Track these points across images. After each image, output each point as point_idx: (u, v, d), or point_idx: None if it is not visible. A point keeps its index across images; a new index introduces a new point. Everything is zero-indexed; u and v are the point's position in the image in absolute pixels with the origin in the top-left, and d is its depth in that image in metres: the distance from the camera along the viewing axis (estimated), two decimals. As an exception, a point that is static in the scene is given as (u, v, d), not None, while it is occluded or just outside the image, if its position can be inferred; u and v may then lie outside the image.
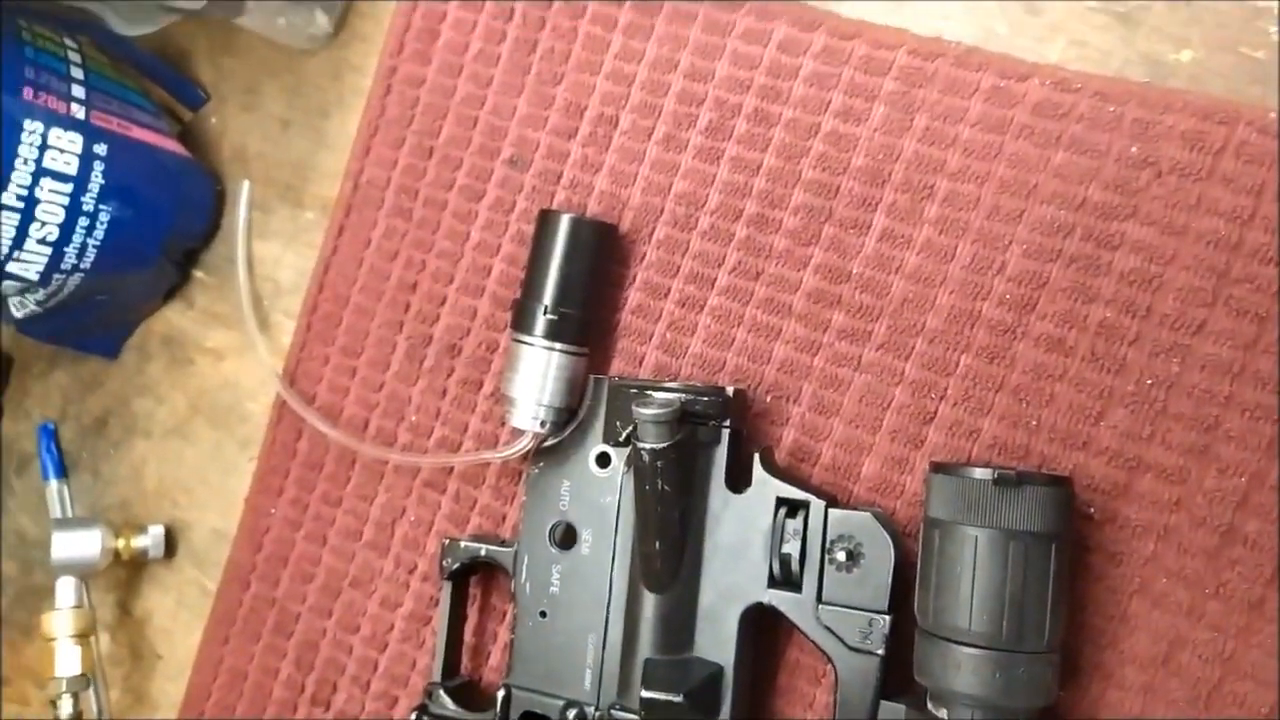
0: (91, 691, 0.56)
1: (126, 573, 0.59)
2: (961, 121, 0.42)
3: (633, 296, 0.48)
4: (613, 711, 0.42)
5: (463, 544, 0.47)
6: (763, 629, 0.42)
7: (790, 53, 0.45)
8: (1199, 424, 0.38)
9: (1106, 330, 0.40)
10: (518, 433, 0.46)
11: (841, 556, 0.40)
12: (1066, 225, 0.41)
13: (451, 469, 0.50)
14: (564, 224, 0.46)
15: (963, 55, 0.43)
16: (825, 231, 0.44)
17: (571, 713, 0.43)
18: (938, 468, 0.39)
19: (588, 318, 0.46)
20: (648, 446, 0.40)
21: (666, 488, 0.41)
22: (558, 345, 0.45)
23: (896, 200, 0.43)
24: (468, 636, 0.49)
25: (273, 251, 0.57)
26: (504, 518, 0.50)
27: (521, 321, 0.46)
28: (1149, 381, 0.39)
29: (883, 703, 0.39)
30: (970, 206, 0.42)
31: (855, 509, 0.40)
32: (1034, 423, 0.41)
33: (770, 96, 0.46)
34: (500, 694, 0.44)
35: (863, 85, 0.44)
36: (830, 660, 0.40)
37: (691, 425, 0.42)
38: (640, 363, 0.47)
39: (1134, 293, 0.39)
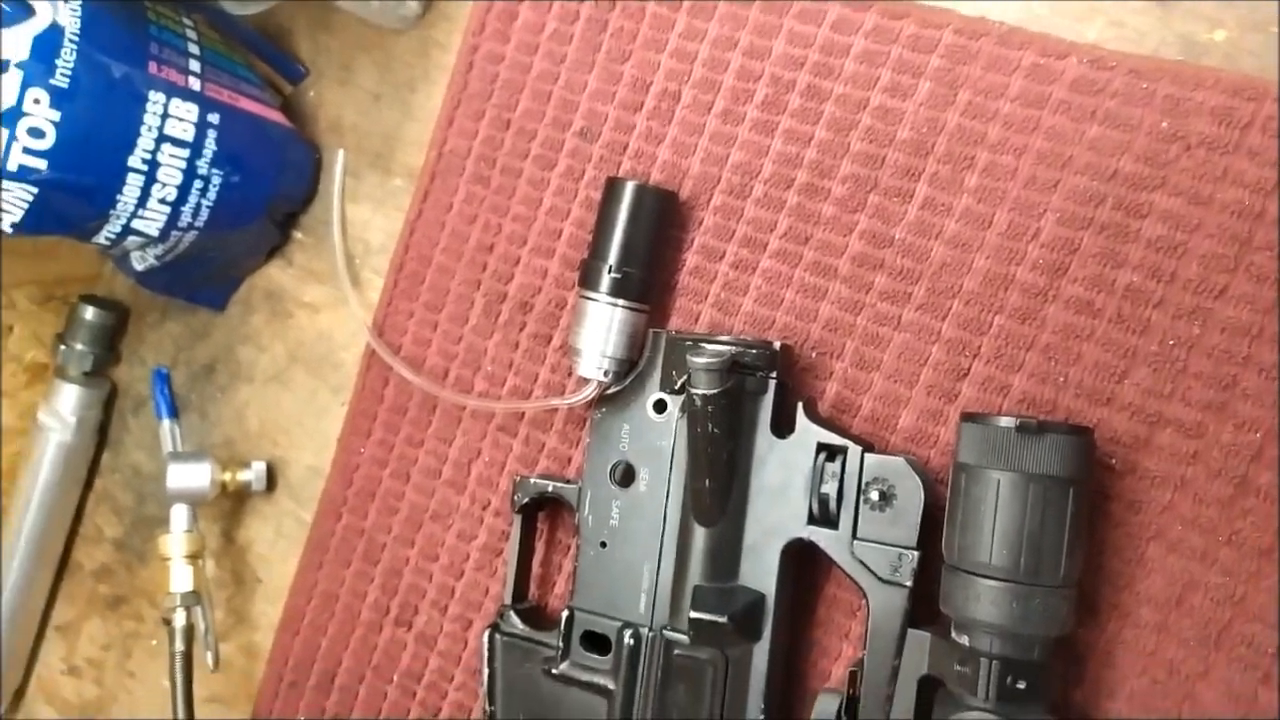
0: (200, 608, 0.63)
1: (231, 504, 0.65)
2: (1002, 97, 0.45)
3: (690, 259, 0.52)
4: (664, 631, 0.47)
5: (532, 480, 0.52)
6: (802, 563, 0.46)
7: (842, 31, 0.49)
8: (1217, 382, 0.41)
9: (1133, 294, 0.43)
10: (583, 382, 0.51)
11: (875, 497, 0.43)
12: (1098, 195, 0.43)
13: (523, 414, 0.55)
14: (629, 190, 0.50)
15: (1005, 34, 0.45)
16: (870, 200, 0.48)
17: (628, 632, 0.48)
18: (967, 417, 0.42)
19: (649, 277, 0.50)
20: (700, 392, 0.44)
21: (716, 430, 0.45)
22: (620, 302, 0.49)
23: (938, 171, 0.46)
24: (535, 566, 0.54)
25: (363, 214, 0.62)
26: (569, 460, 0.54)
27: (588, 280, 0.50)
28: (1171, 342, 0.42)
29: (910, 631, 0.43)
30: (1008, 177, 0.45)
31: (890, 455, 0.44)
32: (1062, 379, 0.44)
33: (823, 73, 0.49)
34: (564, 615, 0.49)
35: (910, 62, 0.47)
36: (863, 591, 0.44)
37: (740, 375, 0.46)
38: (696, 320, 0.51)
39: (1160, 259, 0.42)
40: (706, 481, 0.46)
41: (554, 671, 0.49)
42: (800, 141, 0.49)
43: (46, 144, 0.51)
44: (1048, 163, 0.44)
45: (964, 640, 0.41)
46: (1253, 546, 0.40)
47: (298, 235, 0.64)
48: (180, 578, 0.60)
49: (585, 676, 0.49)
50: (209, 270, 0.64)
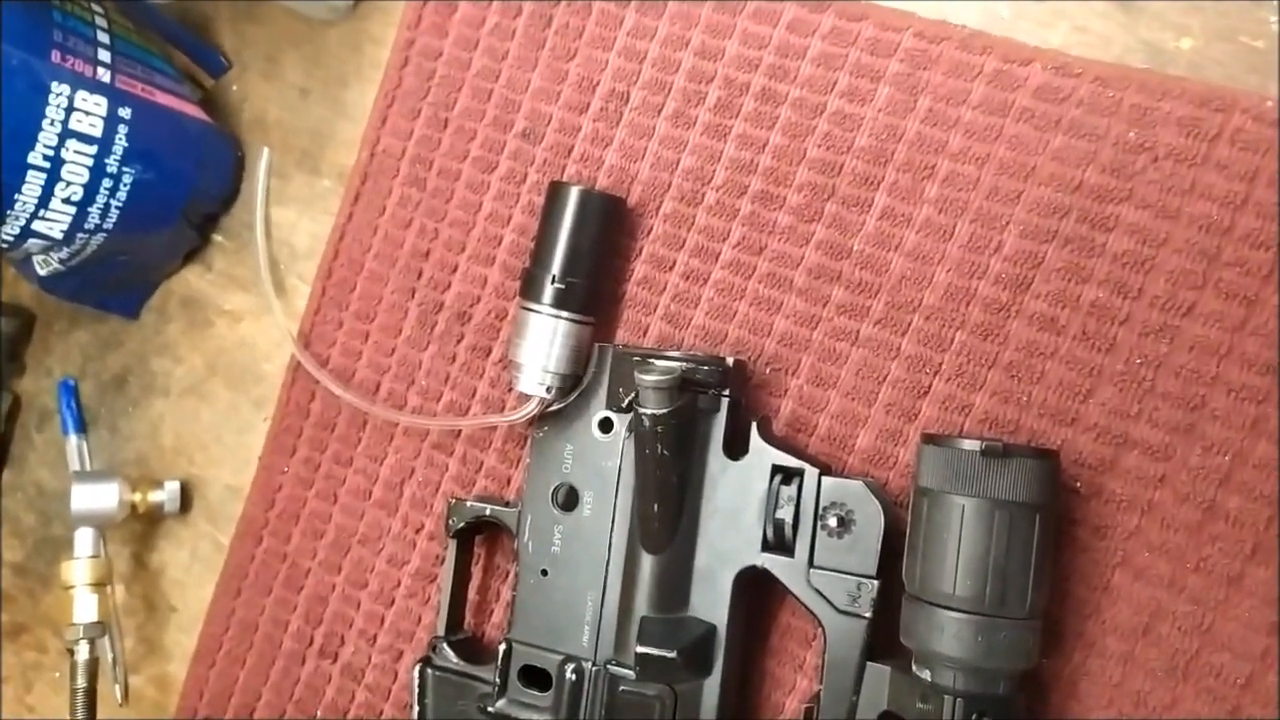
0: (106, 639, 0.58)
1: (142, 526, 0.60)
2: (964, 104, 0.43)
3: (638, 269, 0.48)
4: (609, 666, 0.43)
5: (468, 504, 0.48)
6: (755, 591, 0.43)
7: (799, 33, 0.46)
8: (1185, 403, 0.39)
9: (1098, 310, 0.40)
10: (524, 398, 0.47)
11: (833, 523, 0.40)
12: (1063, 207, 0.41)
13: (459, 432, 0.51)
14: (573, 196, 0.46)
15: (967, 39, 0.43)
16: (828, 209, 0.45)
17: (570, 667, 0.44)
18: (928, 439, 0.39)
19: (594, 288, 0.47)
20: (649, 412, 0.41)
21: (666, 452, 0.41)
22: (564, 314, 0.46)
23: (898, 180, 0.44)
24: (471, 594, 0.50)
25: (289, 217, 0.57)
26: (509, 480, 0.50)
27: (530, 290, 0.46)
28: (1138, 361, 0.40)
29: (869, 664, 0.40)
30: (970, 187, 0.42)
31: (848, 478, 0.41)
32: (1025, 399, 0.41)
33: (778, 76, 0.46)
34: (501, 648, 0.45)
35: (869, 66, 0.44)
36: (820, 622, 0.40)
37: (692, 393, 0.42)
38: (644, 333, 0.48)
39: (1126, 274, 0.40)
40: (655, 506, 0.42)
41: (490, 709, 0.45)
42: (754, 147, 0.46)
43: (-70, 136, 0.46)
44: (1010, 173, 0.42)
45: (925, 675, 0.38)
46: (1221, 573, 0.38)
47: (218, 238, 0.59)
48: (84, 607, 0.55)
49: (523, 715, 0.45)
50: (120, 275, 0.59)
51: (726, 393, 0.43)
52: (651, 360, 0.43)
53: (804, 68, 0.46)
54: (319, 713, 0.54)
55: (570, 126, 0.50)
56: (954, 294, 0.42)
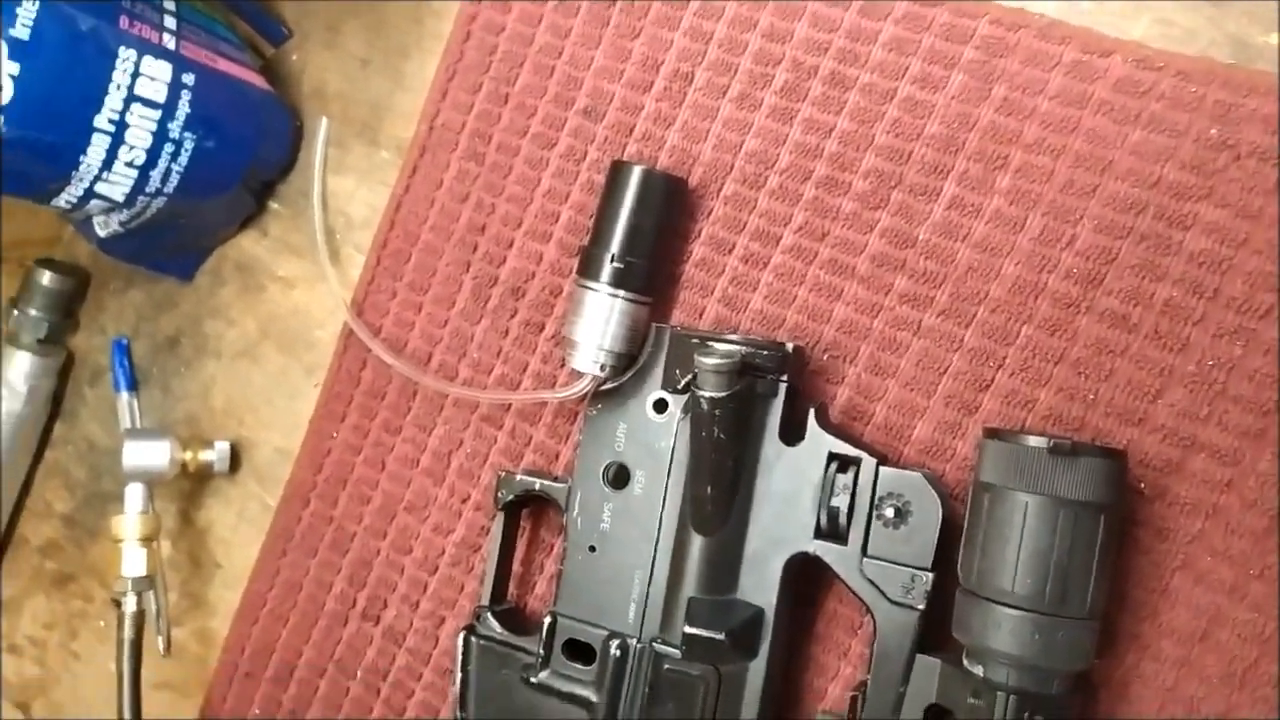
0: (152, 593, 0.57)
1: (191, 485, 0.59)
2: (1040, 94, 0.41)
3: (697, 250, 0.47)
4: (654, 644, 0.42)
5: (518, 477, 0.47)
6: (805, 577, 0.42)
7: (871, 16, 0.44)
8: (1257, 407, 0.37)
9: (1172, 309, 0.39)
10: (576, 375, 0.46)
11: (890, 513, 0.39)
12: (1139, 203, 0.39)
13: (509, 406, 0.50)
14: (635, 175, 0.45)
15: (1046, 28, 0.41)
16: (894, 197, 0.43)
17: (614, 643, 0.43)
18: (992, 433, 0.38)
19: (652, 268, 0.45)
20: (707, 395, 0.40)
21: (722, 435, 0.40)
22: (622, 292, 0.44)
23: (969, 169, 0.42)
24: (515, 566, 0.49)
25: (346, 187, 0.56)
26: (557, 456, 0.49)
27: (588, 268, 0.45)
28: (1210, 363, 0.38)
29: (919, 656, 0.39)
30: (1044, 179, 0.41)
31: (906, 468, 0.40)
32: (1091, 396, 0.40)
33: (848, 60, 0.44)
34: (546, 620, 0.44)
35: (942, 53, 0.43)
36: (870, 612, 0.39)
37: (750, 377, 0.41)
38: (701, 315, 0.47)
39: (1203, 274, 0.38)
40: (708, 489, 0.41)
41: (533, 680, 0.44)
42: (820, 132, 0.45)
43: (4, 99, 0.45)
44: (1086, 166, 0.40)
45: (978, 670, 0.37)
46: (1285, 582, 0.37)
47: (274, 206, 0.58)
48: (132, 561, 0.54)
49: (566, 687, 0.44)
50: (177, 239, 0.58)
51: (784, 378, 0.42)
52: (711, 343, 0.42)
53: (875, 52, 0.44)
54: (359, 673, 0.54)
55: (633, 105, 0.49)
56: (1022, 287, 0.41)
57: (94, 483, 0.63)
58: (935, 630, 0.39)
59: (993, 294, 0.41)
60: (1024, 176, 0.41)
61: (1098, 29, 0.41)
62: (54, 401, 0.64)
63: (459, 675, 0.46)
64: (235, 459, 0.58)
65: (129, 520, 0.54)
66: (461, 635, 0.46)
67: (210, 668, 0.58)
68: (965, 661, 0.37)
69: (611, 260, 0.44)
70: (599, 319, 0.45)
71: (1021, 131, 0.41)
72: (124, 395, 0.61)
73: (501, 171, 0.51)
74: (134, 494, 0.55)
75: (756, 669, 0.41)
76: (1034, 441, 0.36)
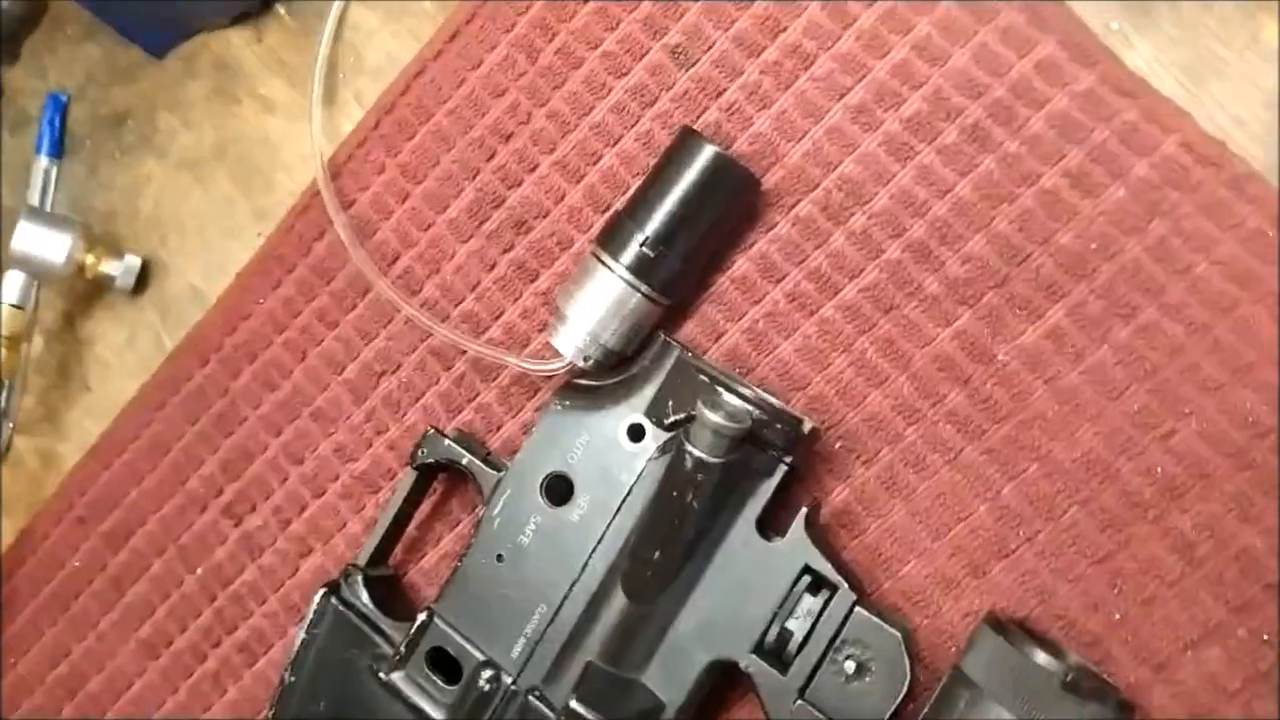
0: (3, 391, 0.50)
1: (85, 288, 0.51)
2: (1204, 253, 0.33)
3: (741, 265, 0.39)
4: (530, 695, 0.36)
5: (447, 442, 0.39)
6: (722, 683, 0.36)
7: (1049, 79, 0.36)
8: (1294, 704, 0.32)
9: (1247, 560, 0.32)
10: (553, 352, 0.38)
11: (849, 666, 0.33)
12: (1263, 426, 0.32)
13: (465, 351, 0.42)
14: (706, 155, 0.36)
15: (1239, 177, 0.33)
16: (988, 298, 0.36)
17: (487, 673, 0.37)
18: (998, 627, 0.32)
19: (685, 269, 0.37)
20: (696, 454, 0.32)
21: (695, 503, 0.33)
22: (641, 286, 0.36)
23: (1087, 302, 0.35)
24: (411, 528, 0.42)
25: (370, 22, 0.46)
26: (499, 427, 0.42)
27: (611, 240, 0.37)
28: (1265, 636, 0.32)
29: (817, 826, 0.33)
30: (1167, 352, 0.34)
31: (884, 617, 0.33)
32: (1117, 616, 0.33)
33: (1001, 117, 0.36)
34: (421, 616, 0.38)
35: (1114, 156, 0.35)
36: (782, 756, 0.33)
37: (750, 448, 0.34)
38: (718, 339, 0.39)
39: (1301, 535, 0.32)
40: (656, 553, 0.34)
41: (381, 675, 0.38)
42: (935, 189, 0.37)
43: None
44: (1221, 358, 0.33)
45: None
46: None
47: (281, 10, 0.48)
48: (-15, 357, 0.46)
49: (415, 698, 0.37)
50: (159, 7, 0.48)
51: (788, 460, 0.35)
52: (722, 392, 0.34)
53: (1035, 122, 0.36)
54: (200, 570, 0.47)
55: (732, 66, 0.40)
56: (1092, 464, 0.34)
57: (-20, 241, 0.54)
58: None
59: (1055, 456, 0.34)
60: (1146, 339, 0.34)
61: (1302, 203, 0.33)
62: (-38, 131, 0.54)
63: (303, 634, 0.39)
64: (143, 278, 0.49)
65: (-4, 311, 0.46)
66: (321, 593, 0.39)
67: (43, 495, 0.51)
68: None
69: (642, 244, 0.36)
70: (602, 303, 0.37)
71: (1165, 286, 0.34)
72: (43, 160, 0.51)
73: (553, 79, 0.42)
74: (13, 283, 0.47)
75: (632, 764, 0.35)
76: (1044, 662, 0.30)
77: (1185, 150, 0.34)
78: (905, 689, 0.32)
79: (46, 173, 0.51)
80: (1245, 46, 0.34)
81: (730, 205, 0.38)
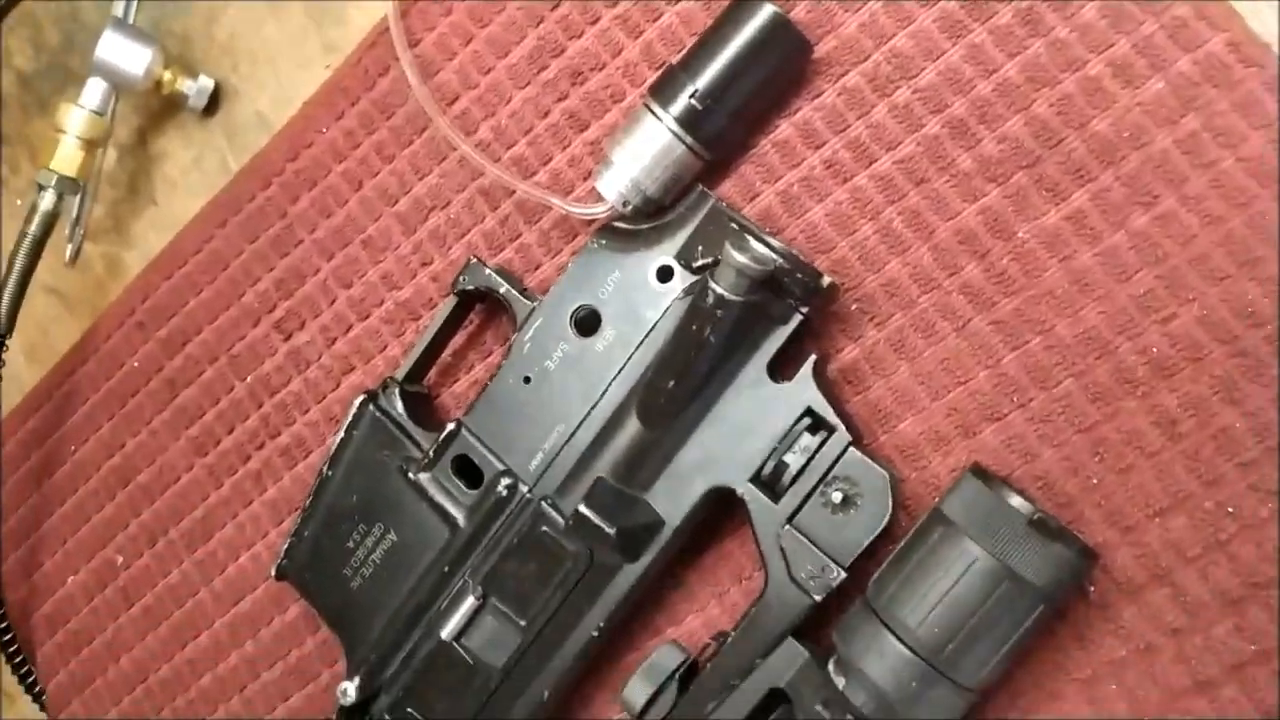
0: (78, 198, 0.54)
1: (159, 106, 0.54)
2: (1232, 149, 0.35)
3: (784, 129, 0.41)
4: (543, 502, 0.40)
5: (487, 271, 0.43)
6: (719, 509, 0.40)
7: (1104, -33, 0.37)
8: (1247, 576, 0.35)
9: (1225, 439, 0.35)
10: (596, 196, 0.41)
11: (836, 497, 0.36)
12: (1261, 316, 0.35)
13: (513, 191, 0.46)
14: (764, 15, 0.39)
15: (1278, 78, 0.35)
16: (1017, 178, 0.38)
17: (505, 480, 0.41)
18: (980, 473, 0.35)
19: (731, 124, 0.40)
20: (719, 291, 0.36)
21: (713, 338, 0.37)
22: (687, 137, 0.39)
23: (1112, 189, 0.37)
24: (446, 355, 0.46)
25: None
26: (538, 267, 0.45)
27: (663, 92, 0.40)
28: (1230, 509, 0.35)
29: (789, 639, 0.37)
30: (1181, 240, 0.36)
31: (875, 461, 0.37)
32: (1095, 481, 0.36)
33: (1055, 3, 0.38)
34: (449, 426, 0.42)
35: (1158, 49, 0.36)
36: (766, 577, 0.37)
37: (770, 293, 0.37)
38: (753, 200, 0.42)
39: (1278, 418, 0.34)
40: (671, 383, 0.38)
41: (410, 475, 0.42)
42: (982, 67, 0.39)
43: None
44: (1231, 249, 0.35)
45: (839, 681, 0.35)
46: (1172, 744, 0.35)
47: None
48: (66, 158, 0.50)
49: (439, 498, 0.42)
50: None
51: (804, 309, 0.38)
52: (750, 238, 0.37)
53: (1089, 11, 0.37)
54: (249, 379, 0.51)
55: (798, -68, 0.42)
56: (1092, 339, 0.37)
57: (64, 54, 0.58)
58: (815, 619, 0.37)
59: (1058, 331, 0.37)
60: (1162, 227, 0.36)
61: (1336, 110, 0.35)
62: (50, -54, 0.57)
63: (341, 434, 0.44)
64: (214, 102, 0.53)
65: (78, 115, 0.50)
66: (360, 398, 0.44)
67: (108, 299, 0.56)
68: (831, 667, 0.36)
69: (692, 96, 0.39)
70: (648, 151, 0.40)
71: (1189, 178, 0.36)
72: (127, -23, 0.54)
73: (623, -65, 0.44)
74: (94, 90, 0.50)
75: (629, 573, 0.39)
76: (1018, 504, 0.33)
77: (1231, 49, 0.36)
78: (886, 522, 0.36)
79: (130, -9, 0.54)
80: (1304, -51, 0.36)
81: (781, 67, 0.40)
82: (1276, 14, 0.36)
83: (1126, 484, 0.36)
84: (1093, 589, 0.36)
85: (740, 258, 0.35)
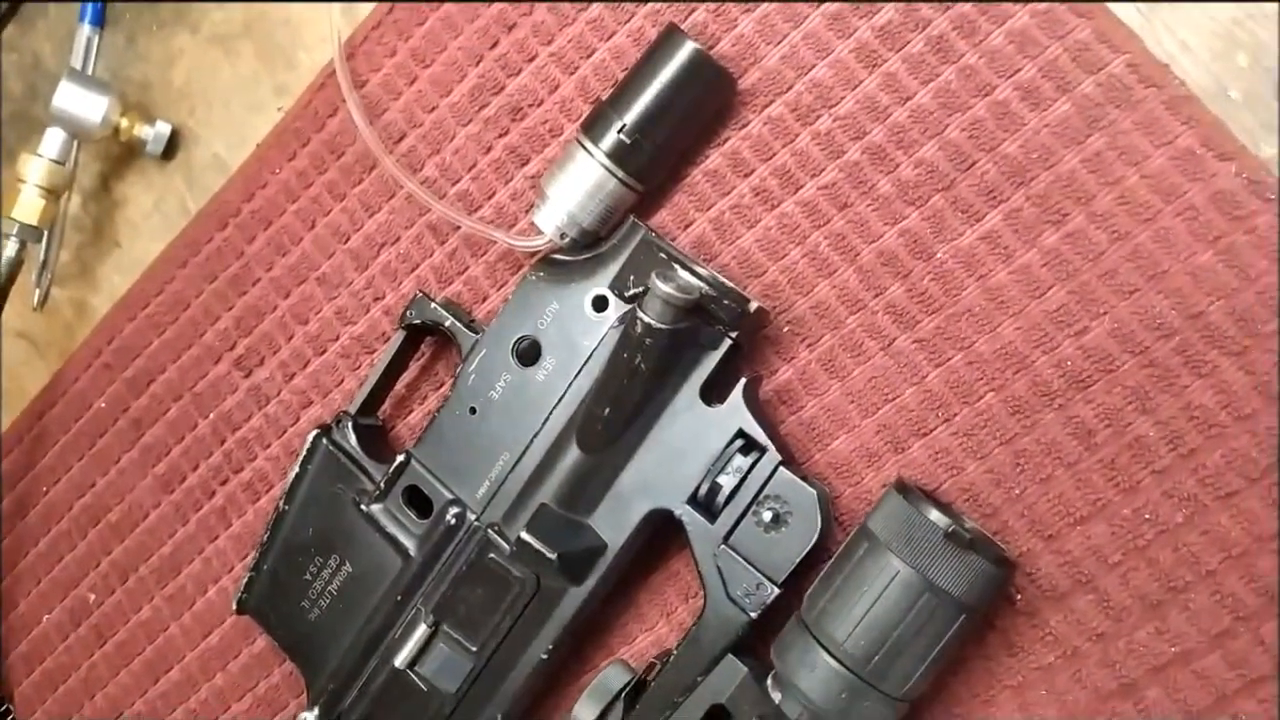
0: (43, 244, 0.57)
1: (120, 152, 0.58)
2: (1136, 166, 0.38)
3: (714, 158, 0.44)
4: (489, 530, 0.43)
5: (434, 305, 0.46)
6: (660, 531, 0.42)
7: (1011, -5, 0.40)
8: (1166, 580, 0.37)
9: (1139, 448, 0.38)
10: (535, 229, 0.44)
11: (767, 516, 0.39)
12: (1169, 328, 0.37)
13: (459, 226, 0.49)
14: (685, 52, 0.42)
15: (1178, 99, 0.38)
16: (934, 200, 0.41)
17: (454, 510, 0.44)
18: (901, 487, 0.37)
19: (659, 157, 0.43)
20: (647, 320, 0.39)
21: (643, 365, 0.39)
22: (617, 171, 0.42)
23: (1023, 209, 0.40)
24: (399, 387, 0.49)
25: (393, -90, 0.52)
26: (485, 298, 0.48)
27: (593, 127, 0.43)
28: (1147, 516, 0.37)
29: (729, 657, 0.40)
30: (1090, 256, 0.39)
31: (806, 480, 0.39)
32: (1018, 492, 0.39)
33: (964, 30, 0.41)
34: (399, 458, 0.45)
35: (1063, 72, 0.39)
36: (704, 596, 0.40)
37: (698, 320, 0.40)
38: (686, 228, 0.45)
39: (1189, 429, 0.37)
40: (607, 410, 0.41)
41: (363, 507, 0.45)
42: (897, 96, 0.41)
43: None
44: (1138, 264, 0.38)
45: (776, 696, 0.38)
46: (1103, 748, 0.38)
47: (311, -105, 0.54)
48: (28, 207, 0.53)
49: (391, 528, 0.45)
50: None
51: (733, 335, 0.40)
52: (677, 267, 0.40)
53: (996, 37, 0.40)
54: (212, 415, 0.54)
55: (722, -32, 0.45)
56: (1009, 355, 0.39)
57: (27, 103, 0.61)
58: (757, 638, 0.40)
59: (978, 347, 0.40)
60: (1072, 244, 0.39)
61: (1231, 127, 0.37)
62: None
63: (296, 469, 0.47)
64: (172, 145, 0.56)
65: (38, 164, 0.53)
66: (313, 434, 0.47)
67: (76, 341, 0.59)
68: (769, 682, 0.39)
69: (620, 130, 0.42)
70: (581, 185, 0.43)
71: (1095, 196, 0.39)
72: (86, 28, 0.58)
73: (557, -26, 0.48)
74: (53, 139, 0.54)
75: (575, 596, 0.42)
76: (935, 517, 0.36)
77: (1132, 71, 0.39)
78: (815, 539, 0.38)
79: (89, 40, 0.58)
80: (1198, -28, 0.38)
81: (706, 101, 0.43)
82: (1174, 35, 0.38)
83: (1048, 493, 0.39)
84: (1019, 597, 0.39)
85: (665, 287, 0.38)
